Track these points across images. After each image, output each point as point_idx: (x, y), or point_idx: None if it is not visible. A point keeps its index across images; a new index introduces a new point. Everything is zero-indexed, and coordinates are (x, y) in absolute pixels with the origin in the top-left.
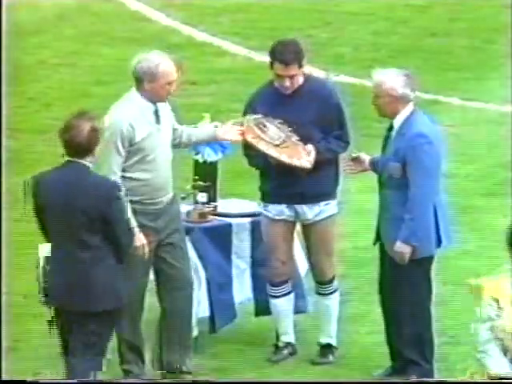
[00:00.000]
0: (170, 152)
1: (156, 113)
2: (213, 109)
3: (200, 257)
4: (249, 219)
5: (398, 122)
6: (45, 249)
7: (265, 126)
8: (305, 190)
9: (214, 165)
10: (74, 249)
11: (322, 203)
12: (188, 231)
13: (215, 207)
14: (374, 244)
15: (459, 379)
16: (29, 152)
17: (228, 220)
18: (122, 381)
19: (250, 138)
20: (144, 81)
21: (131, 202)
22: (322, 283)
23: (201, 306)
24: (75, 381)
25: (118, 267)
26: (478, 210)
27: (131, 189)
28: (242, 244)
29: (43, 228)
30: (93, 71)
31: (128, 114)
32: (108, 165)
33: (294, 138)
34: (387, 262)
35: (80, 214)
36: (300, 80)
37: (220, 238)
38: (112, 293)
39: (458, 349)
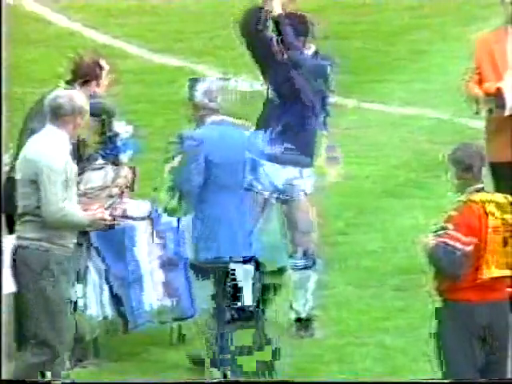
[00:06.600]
0: None
1: None
2: (118, 110)
3: (103, 258)
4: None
5: None
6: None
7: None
8: None
9: None
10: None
11: None
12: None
13: (124, 210)
14: None
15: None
16: None
17: (132, 222)
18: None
19: None
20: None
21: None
22: None
23: (106, 307)
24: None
25: None
26: (379, 211)
27: None
28: (149, 246)
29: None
30: None
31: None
32: None
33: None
34: None
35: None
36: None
37: (127, 239)
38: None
39: (362, 349)
